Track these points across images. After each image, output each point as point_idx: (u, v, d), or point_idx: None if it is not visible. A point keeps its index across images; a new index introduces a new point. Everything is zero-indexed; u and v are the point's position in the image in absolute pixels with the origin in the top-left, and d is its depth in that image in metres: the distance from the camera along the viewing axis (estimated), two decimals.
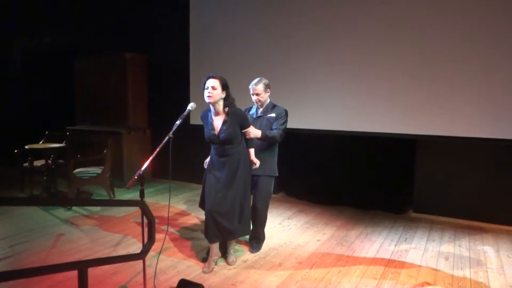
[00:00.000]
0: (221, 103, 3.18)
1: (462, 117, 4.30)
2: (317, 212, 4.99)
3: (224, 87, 3.14)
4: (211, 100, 3.13)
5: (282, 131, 3.53)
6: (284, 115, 3.57)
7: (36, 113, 8.09)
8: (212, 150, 3.34)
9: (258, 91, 3.53)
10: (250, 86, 3.56)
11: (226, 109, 3.20)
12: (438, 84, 4.37)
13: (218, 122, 3.23)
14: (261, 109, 3.62)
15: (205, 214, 3.33)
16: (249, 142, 3.38)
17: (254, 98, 3.58)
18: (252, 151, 3.41)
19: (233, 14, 5.57)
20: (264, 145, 3.56)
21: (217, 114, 3.23)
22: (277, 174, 3.68)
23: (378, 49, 4.63)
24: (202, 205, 3.44)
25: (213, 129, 3.22)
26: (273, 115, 3.56)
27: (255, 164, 3.40)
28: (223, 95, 3.16)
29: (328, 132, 5.01)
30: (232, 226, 3.27)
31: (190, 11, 5.92)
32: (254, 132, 3.34)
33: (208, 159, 3.42)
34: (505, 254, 3.71)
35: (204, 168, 3.43)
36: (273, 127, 3.53)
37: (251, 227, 3.74)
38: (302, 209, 5.15)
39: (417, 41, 4.43)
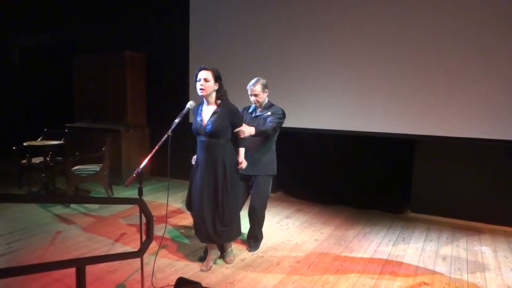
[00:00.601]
0: (213, 95, 3.10)
1: (460, 118, 4.31)
2: (315, 212, 5.00)
3: (217, 78, 3.07)
4: (204, 93, 3.06)
5: (276, 125, 3.44)
6: (280, 113, 3.52)
7: (34, 110, 8.08)
8: (198, 145, 3.20)
9: (256, 91, 3.50)
10: (248, 87, 3.53)
11: (219, 101, 3.12)
12: (437, 85, 4.38)
13: (207, 113, 3.12)
14: (259, 109, 3.60)
15: (194, 215, 3.29)
16: (241, 141, 3.24)
17: (252, 98, 3.55)
18: (242, 150, 3.27)
19: (233, 13, 5.56)
20: (260, 145, 3.53)
21: (208, 105, 3.15)
22: (275, 173, 3.66)
23: (377, 50, 4.63)
24: (189, 205, 3.36)
25: (202, 119, 3.13)
26: (269, 113, 3.52)
27: (241, 164, 3.24)
28: (216, 87, 3.08)
29: (327, 131, 5.02)
30: (216, 229, 3.16)
31: (190, 9, 5.91)
32: (248, 130, 3.22)
33: (196, 156, 3.30)
34: (502, 255, 3.72)
35: (192, 165, 3.31)
36: (267, 120, 3.48)
37: (248, 227, 3.75)
38: (300, 208, 5.15)
39: (416, 42, 4.43)
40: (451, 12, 4.26)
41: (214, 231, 3.17)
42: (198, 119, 3.16)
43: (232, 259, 3.44)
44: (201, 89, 3.05)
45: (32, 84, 8.21)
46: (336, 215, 4.86)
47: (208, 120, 3.09)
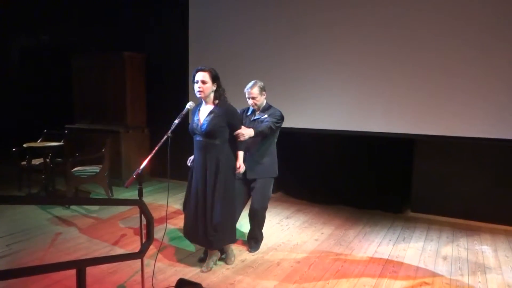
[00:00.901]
0: (211, 95, 3.07)
1: (460, 117, 4.31)
2: (315, 212, 5.00)
3: (215, 78, 3.03)
4: (202, 95, 3.04)
5: (273, 124, 3.40)
6: (278, 115, 3.49)
7: (34, 111, 8.07)
8: (194, 145, 3.17)
9: (254, 94, 3.47)
10: (246, 90, 3.50)
11: (216, 101, 3.08)
12: (437, 85, 4.38)
13: (204, 112, 3.09)
14: (257, 112, 3.58)
15: (186, 216, 3.26)
16: (239, 144, 3.18)
17: (250, 101, 3.52)
18: (241, 154, 3.21)
19: (232, 13, 5.56)
20: (259, 144, 3.50)
21: (206, 104, 3.12)
22: (277, 174, 3.64)
23: (377, 50, 4.63)
24: (185, 206, 3.34)
25: (198, 119, 3.10)
26: (266, 116, 3.50)
27: (239, 169, 3.20)
28: (214, 88, 3.05)
29: (327, 131, 5.01)
30: (207, 233, 3.08)
31: (190, 9, 5.91)
32: (247, 132, 3.19)
33: (192, 157, 3.27)
34: (502, 254, 3.72)
35: (188, 166, 3.28)
36: (264, 121, 3.45)
37: (249, 228, 3.73)
38: (301, 208, 5.15)
39: (416, 42, 4.43)
40: (451, 13, 4.26)
41: (205, 234, 3.10)
42: (195, 118, 3.13)
43: (232, 260, 3.43)
44: (199, 91, 3.03)
45: (32, 85, 8.19)
46: (336, 215, 4.86)
47: (204, 120, 3.06)
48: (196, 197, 3.13)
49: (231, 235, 3.26)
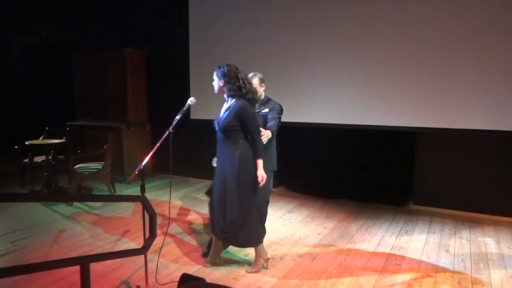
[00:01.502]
0: (224, 91, 3.08)
1: (462, 110, 4.30)
2: (317, 206, 5.00)
3: (222, 76, 3.02)
4: (215, 91, 3.12)
5: (279, 119, 3.40)
6: (278, 108, 3.48)
7: (36, 108, 8.08)
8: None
9: (254, 85, 3.42)
10: None
11: (234, 99, 3.05)
12: (437, 78, 4.37)
13: (224, 109, 3.14)
14: (257, 105, 3.57)
15: (209, 207, 3.29)
16: (258, 150, 3.03)
17: None
18: (260, 163, 3.02)
19: (232, 9, 5.54)
20: None
21: (227, 101, 3.14)
22: (276, 169, 3.63)
23: (378, 44, 4.61)
24: (208, 192, 3.36)
25: (220, 115, 3.12)
26: (267, 110, 3.47)
27: (261, 182, 3.02)
28: (221, 84, 3.05)
29: (328, 125, 5.01)
30: (223, 228, 3.07)
31: (190, 6, 5.90)
32: (266, 134, 3.12)
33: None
34: (505, 246, 3.72)
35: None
36: (268, 117, 3.43)
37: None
38: (303, 202, 5.16)
39: (417, 36, 4.41)
40: (451, 7, 4.25)
41: (221, 229, 3.11)
42: (218, 115, 3.16)
43: (256, 268, 3.22)
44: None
45: (33, 83, 8.20)
46: (338, 209, 4.86)
47: (222, 116, 3.09)
48: (218, 192, 3.14)
49: (251, 235, 3.13)
